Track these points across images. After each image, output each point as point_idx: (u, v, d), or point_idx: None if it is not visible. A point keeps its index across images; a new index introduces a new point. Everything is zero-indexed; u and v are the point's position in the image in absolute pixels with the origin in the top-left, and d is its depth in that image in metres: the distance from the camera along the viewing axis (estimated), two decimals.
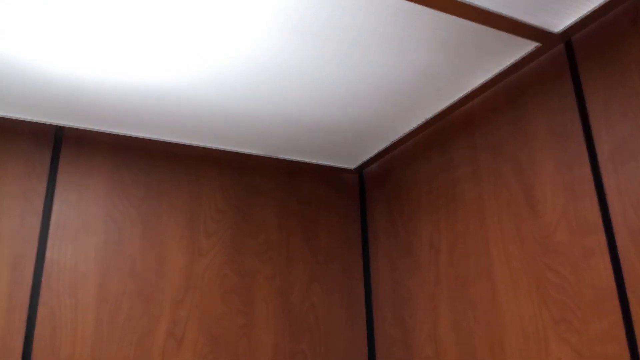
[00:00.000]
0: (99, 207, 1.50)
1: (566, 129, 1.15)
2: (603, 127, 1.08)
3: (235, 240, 1.63)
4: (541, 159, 1.20)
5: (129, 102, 1.37)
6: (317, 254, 1.73)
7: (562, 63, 1.17)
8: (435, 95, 1.38)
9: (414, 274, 1.55)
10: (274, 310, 1.61)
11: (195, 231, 1.59)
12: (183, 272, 1.54)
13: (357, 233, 1.83)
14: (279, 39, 1.12)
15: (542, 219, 1.17)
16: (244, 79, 1.28)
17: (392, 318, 1.62)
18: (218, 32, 1.10)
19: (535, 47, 1.18)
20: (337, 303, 1.71)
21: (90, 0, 0.99)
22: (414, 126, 1.55)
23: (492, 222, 1.30)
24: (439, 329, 1.42)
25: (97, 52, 1.16)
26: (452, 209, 1.44)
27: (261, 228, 1.68)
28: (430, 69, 1.25)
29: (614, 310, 1.01)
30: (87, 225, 1.47)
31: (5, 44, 1.12)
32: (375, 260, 1.75)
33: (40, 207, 1.43)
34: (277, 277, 1.65)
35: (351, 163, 1.84)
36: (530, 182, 1.21)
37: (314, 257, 1.73)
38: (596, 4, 1.05)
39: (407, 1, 1.00)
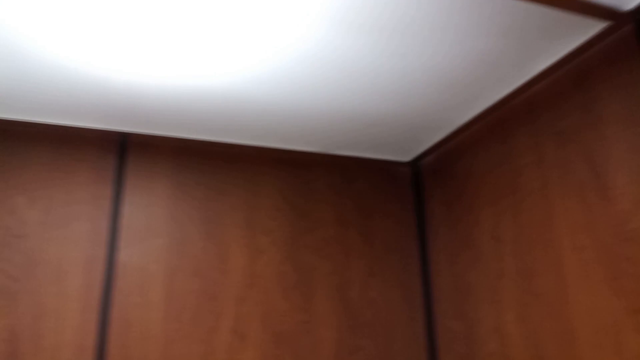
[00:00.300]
0: (164, 209, 1.54)
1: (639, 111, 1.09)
2: None
3: (293, 237, 1.65)
4: (613, 143, 1.14)
5: (188, 106, 1.40)
6: (375, 249, 1.73)
7: (633, 42, 1.12)
8: (495, 83, 1.34)
9: (475, 266, 1.52)
10: (333, 306, 1.61)
11: (255, 230, 1.61)
12: (244, 270, 1.56)
13: (414, 226, 1.81)
14: (333, 33, 1.12)
15: (616, 207, 1.12)
16: (298, 76, 1.29)
17: (453, 312, 1.60)
18: (272, 29, 1.11)
19: (604, 27, 1.12)
20: (396, 297, 1.69)
21: (146, 8, 1.02)
22: (472, 115, 1.52)
23: (560, 212, 1.26)
24: (504, 323, 1.39)
25: (156, 58, 1.19)
26: (516, 199, 1.40)
27: (318, 224, 1.69)
28: (491, 56, 1.22)
29: None
30: (153, 227, 1.52)
31: (72, 55, 1.17)
32: (434, 253, 1.73)
33: (109, 211, 1.49)
34: (335, 273, 1.65)
35: (405, 156, 1.82)
36: (602, 168, 1.16)
37: (372, 251, 1.72)
38: None
39: None
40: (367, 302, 1.66)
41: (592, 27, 1.13)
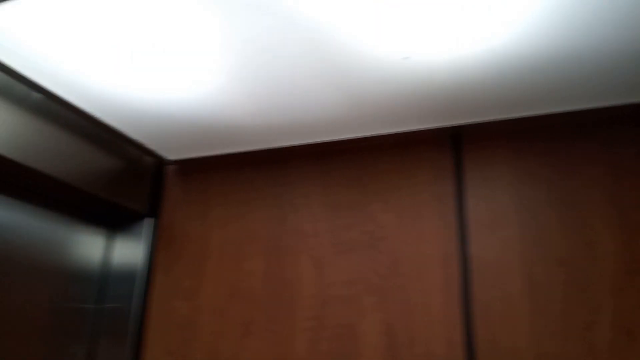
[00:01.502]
0: (510, 197, 1.46)
1: None
2: None
3: None
4: None
5: (512, 80, 1.29)
6: None
7: None
8: None
9: None
10: None
11: (624, 205, 1.35)
12: (619, 255, 1.32)
13: None
14: None
15: None
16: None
17: None
18: None
19: None
20: None
21: None
22: None
23: None
24: None
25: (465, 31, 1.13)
26: None
27: None
28: None
29: None
30: (501, 217, 1.45)
31: (390, 55, 1.23)
32: None
33: (454, 206, 1.50)
34: None
35: None
36: None
37: None
38: None
39: None
40: None
41: None
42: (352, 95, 1.37)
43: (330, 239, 1.59)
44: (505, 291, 1.38)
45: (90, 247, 1.76)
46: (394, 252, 1.51)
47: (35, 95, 1.43)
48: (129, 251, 1.79)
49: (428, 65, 1.23)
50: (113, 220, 1.85)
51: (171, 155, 1.79)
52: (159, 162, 1.91)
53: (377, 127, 1.56)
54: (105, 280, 1.78)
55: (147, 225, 1.80)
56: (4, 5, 1.02)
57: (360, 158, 1.65)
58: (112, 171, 1.68)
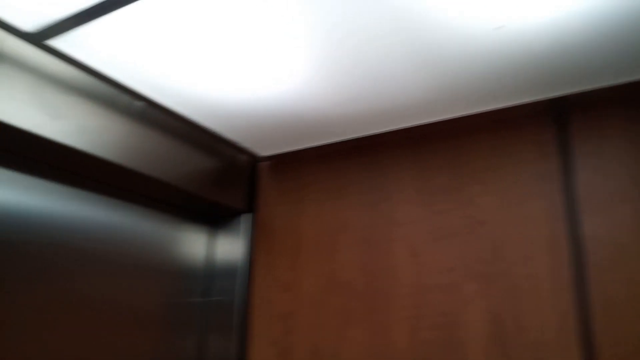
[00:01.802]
0: (624, 171, 1.32)
1: None
2: None
3: None
4: None
5: (620, 39, 1.17)
6: None
7: None
8: None
9: None
10: None
11: None
12: None
13: None
14: None
15: None
16: None
17: None
18: None
19: None
20: None
21: None
22: None
23: None
24: None
25: None
26: None
27: None
28: None
29: None
30: (616, 193, 1.32)
31: (482, 27, 1.16)
32: None
33: (560, 184, 1.39)
34: None
35: None
36: None
37: None
38: None
39: None
40: None
41: None
42: (441, 74, 1.31)
43: (427, 226, 1.54)
44: (625, 273, 1.26)
45: (194, 244, 1.85)
46: (496, 237, 1.43)
47: (137, 103, 1.52)
48: (230, 247, 1.86)
49: (524, 33, 1.14)
50: (214, 217, 1.93)
51: (264, 151, 1.83)
52: (253, 159, 1.96)
53: (471, 106, 1.48)
54: (210, 275, 1.86)
55: (245, 220, 1.86)
56: (102, 19, 1.09)
57: (454, 140, 1.58)
58: (211, 171, 1.76)
